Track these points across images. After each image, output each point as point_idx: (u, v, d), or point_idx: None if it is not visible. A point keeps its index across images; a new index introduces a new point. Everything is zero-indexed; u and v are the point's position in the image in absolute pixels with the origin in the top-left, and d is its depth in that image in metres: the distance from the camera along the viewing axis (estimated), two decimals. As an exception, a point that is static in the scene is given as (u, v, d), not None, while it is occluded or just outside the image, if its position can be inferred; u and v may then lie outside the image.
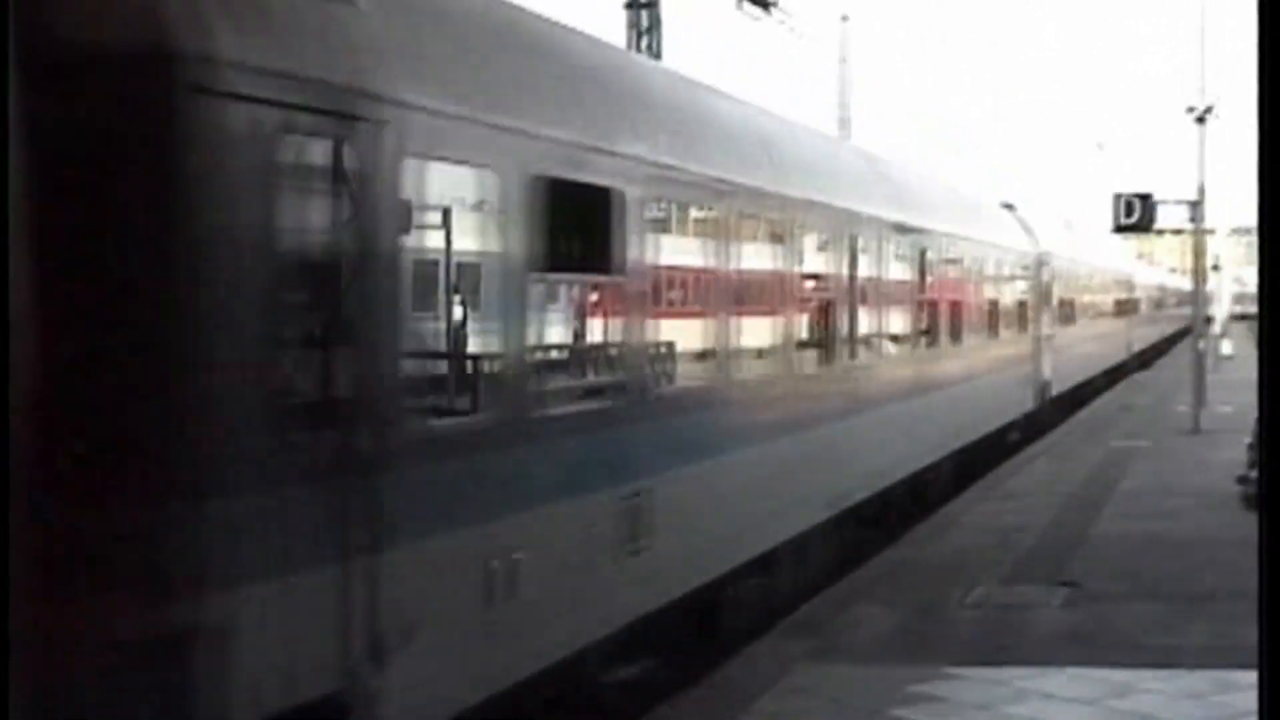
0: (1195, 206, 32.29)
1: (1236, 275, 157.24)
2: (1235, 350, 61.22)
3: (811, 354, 15.10)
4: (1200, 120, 32.96)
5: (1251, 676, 10.73)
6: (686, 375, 11.79)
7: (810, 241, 15.00)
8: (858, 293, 16.50)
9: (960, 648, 11.94)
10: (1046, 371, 31.64)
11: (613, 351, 10.47)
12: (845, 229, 16.09)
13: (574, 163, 9.52)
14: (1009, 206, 33.02)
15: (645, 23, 37.50)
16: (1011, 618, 13.04)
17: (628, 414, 10.26)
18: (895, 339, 18.36)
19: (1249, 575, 14.81)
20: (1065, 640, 12.20)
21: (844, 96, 56.46)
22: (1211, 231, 48.97)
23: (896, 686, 10.71)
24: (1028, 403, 29.26)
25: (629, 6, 37.80)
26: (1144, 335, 61.43)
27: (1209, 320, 41.69)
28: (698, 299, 12.16)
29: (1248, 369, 53.34)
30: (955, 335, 21.99)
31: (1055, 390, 32.98)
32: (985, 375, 24.38)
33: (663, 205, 11.34)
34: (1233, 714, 9.97)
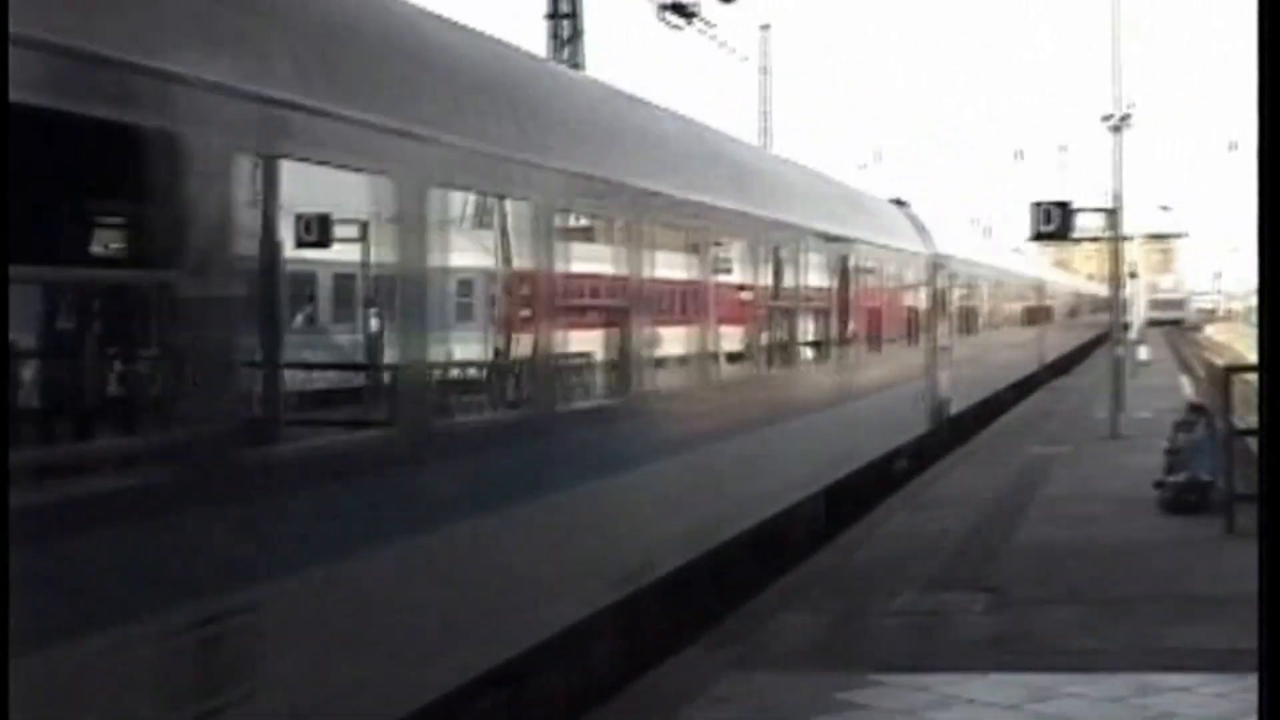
0: (1112, 214, 32.62)
1: (1152, 281, 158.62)
2: (1151, 356, 61.86)
3: (602, 380, 11.65)
4: (1116, 129, 33.29)
5: (1171, 679, 10.92)
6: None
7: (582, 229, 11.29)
8: (661, 300, 12.60)
9: (884, 654, 12.00)
10: (944, 388, 28.53)
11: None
12: (631, 211, 11.69)
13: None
14: (900, 203, 30.06)
15: (567, 33, 37.53)
16: (934, 624, 13.12)
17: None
18: (734, 358, 14.86)
19: (1168, 579, 15.11)
20: (988, 645, 12.29)
21: (766, 105, 56.67)
22: (1128, 239, 49.49)
23: (821, 694, 10.76)
24: (920, 425, 26.04)
25: (550, 17, 37.83)
26: (1059, 343, 59.45)
27: (1126, 327, 42.03)
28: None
29: (1164, 375, 54.09)
30: (822, 350, 18.64)
31: (955, 409, 29.72)
32: (865, 396, 20.82)
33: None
34: (1154, 716, 10.08)
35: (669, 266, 12.85)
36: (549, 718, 10.77)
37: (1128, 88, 33.41)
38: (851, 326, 20.27)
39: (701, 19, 38.58)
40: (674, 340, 12.99)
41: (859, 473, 20.37)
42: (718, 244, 14.36)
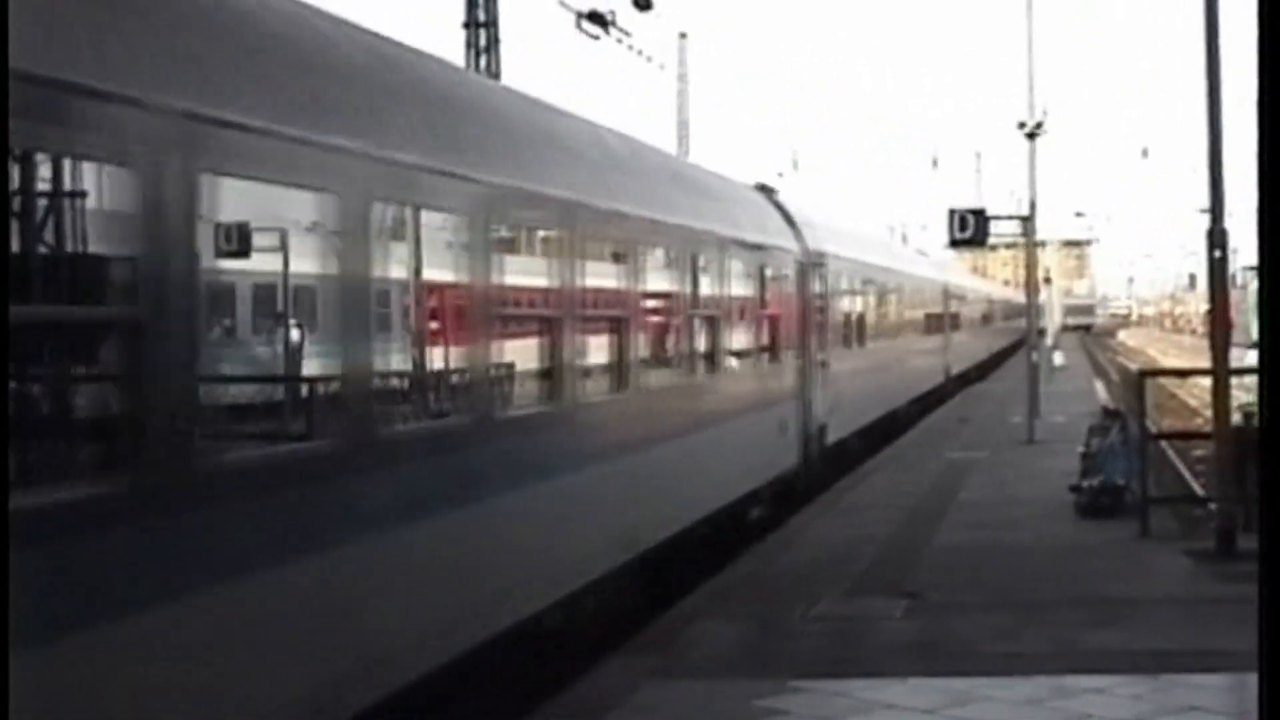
0: (1026, 220, 32.91)
1: (1067, 287, 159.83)
2: (1066, 361, 62.41)
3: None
4: (1031, 136, 33.61)
5: (1086, 681, 11.03)
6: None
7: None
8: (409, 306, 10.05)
9: (804, 661, 12.04)
10: (820, 412, 23.91)
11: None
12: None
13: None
14: (766, 189, 25.43)
15: (484, 42, 37.48)
16: (854, 630, 13.18)
17: None
18: (504, 382, 11.34)
19: (1085, 582, 15.27)
20: (907, 651, 12.36)
21: (683, 114, 56.77)
22: (1043, 244, 49.90)
23: (742, 701, 10.79)
24: (783, 460, 21.48)
25: (467, 26, 37.77)
26: (969, 353, 55.63)
27: (1041, 332, 42.39)
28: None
29: (1079, 380, 54.49)
30: (621, 376, 14.12)
31: (833, 436, 25.02)
32: (705, 428, 16.94)
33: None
34: (1070, 718, 10.17)
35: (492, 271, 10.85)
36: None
37: (1042, 95, 33.73)
38: (672, 342, 16.22)
39: (618, 28, 38.62)
40: (475, 362, 10.60)
41: (691, 530, 16.38)
42: (566, 239, 12.06)
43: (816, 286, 24.57)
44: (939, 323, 46.04)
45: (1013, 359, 68.64)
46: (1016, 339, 68.61)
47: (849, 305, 28.87)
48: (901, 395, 35.91)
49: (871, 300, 32.33)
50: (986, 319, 69.45)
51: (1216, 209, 16.34)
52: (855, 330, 29.48)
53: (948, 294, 49.71)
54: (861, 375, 29.23)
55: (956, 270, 65.06)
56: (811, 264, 24.11)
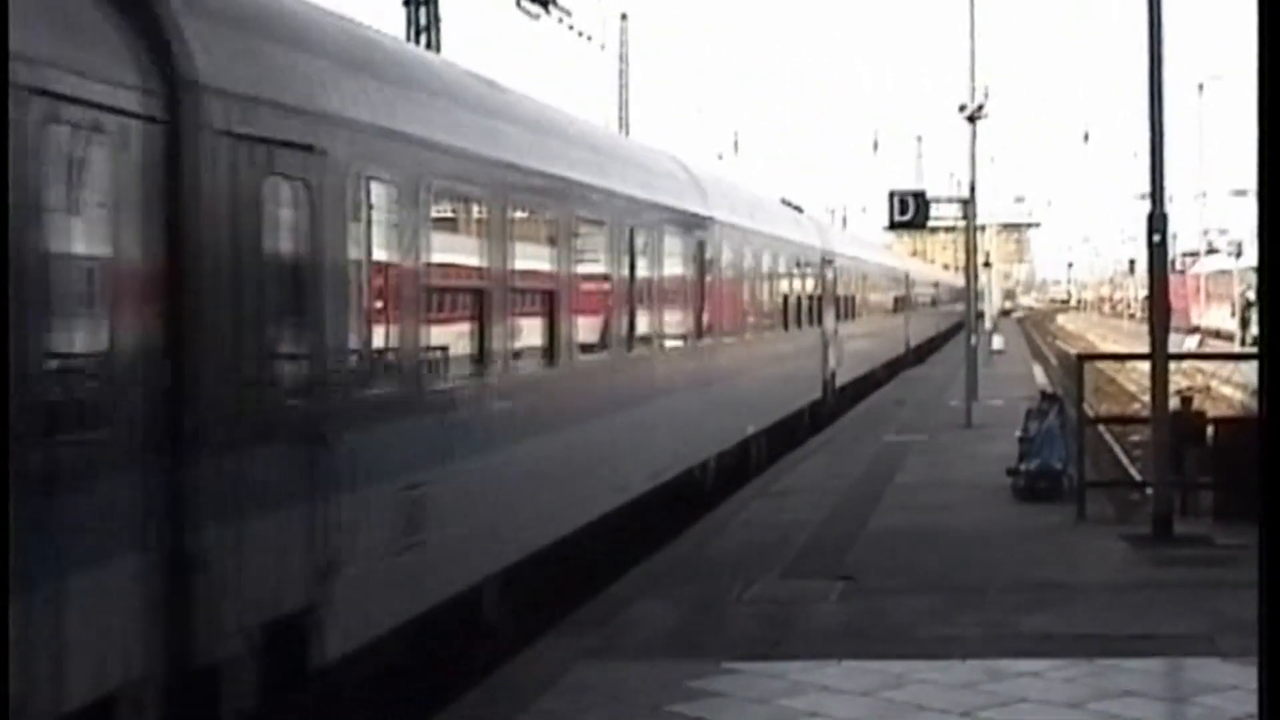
0: (967, 204, 32.96)
1: (1006, 271, 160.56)
2: (1005, 345, 62.64)
3: None
4: (971, 120, 33.62)
5: (1021, 664, 11.01)
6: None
7: None
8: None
9: (738, 643, 11.98)
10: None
11: None
12: None
13: None
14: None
15: (424, 20, 37.26)
16: (789, 612, 13.12)
17: None
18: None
19: (1021, 566, 15.26)
20: (841, 633, 12.31)
21: (623, 95, 56.67)
22: (983, 228, 50.01)
23: (676, 682, 10.72)
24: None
25: (407, 4, 37.54)
26: (868, 353, 45.75)
27: (980, 316, 42.50)
28: None
29: (1017, 364, 54.69)
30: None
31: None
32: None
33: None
34: (1004, 701, 10.14)
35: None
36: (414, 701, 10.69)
37: (983, 78, 33.72)
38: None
39: (559, 7, 38.50)
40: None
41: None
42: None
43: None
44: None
45: (950, 343, 68.92)
46: (956, 322, 68.79)
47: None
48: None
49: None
50: (901, 305, 69.31)
51: (1156, 194, 16.33)
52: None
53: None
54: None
55: (900, 256, 66.49)
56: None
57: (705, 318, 19.91)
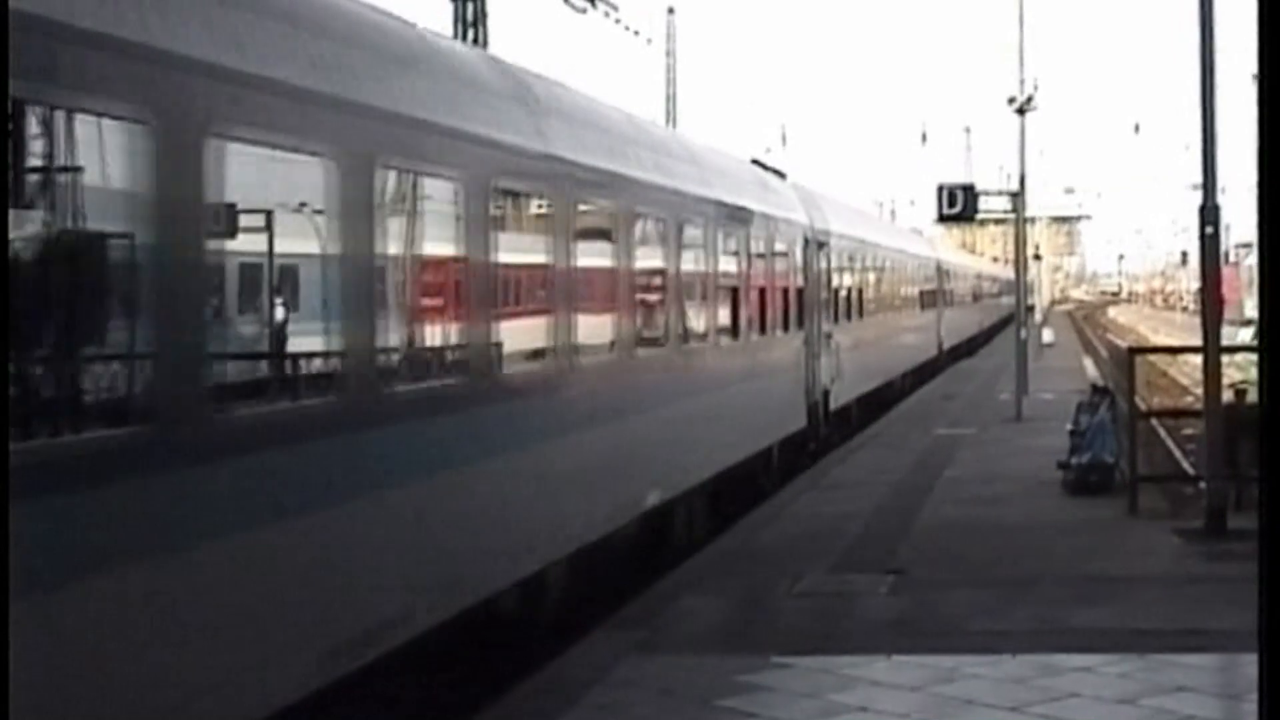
0: (1016, 197, 32.81)
1: (1056, 264, 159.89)
2: (1056, 338, 62.39)
3: None
4: (1021, 112, 33.48)
5: (1073, 659, 10.93)
6: None
7: None
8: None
9: (788, 637, 11.95)
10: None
11: None
12: None
13: None
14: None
15: (471, 15, 37.32)
16: (839, 606, 13.09)
17: None
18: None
19: (1072, 560, 15.15)
20: (892, 627, 12.27)
21: (671, 89, 56.63)
22: (1032, 221, 49.83)
23: (725, 676, 10.70)
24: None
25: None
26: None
27: (1030, 309, 42.30)
28: None
29: (1068, 357, 54.46)
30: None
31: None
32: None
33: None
34: (1056, 696, 10.08)
35: None
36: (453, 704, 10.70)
37: (1032, 70, 33.58)
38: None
39: (606, 1, 38.50)
40: None
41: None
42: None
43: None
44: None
45: (1001, 335, 68.60)
46: (1003, 317, 68.20)
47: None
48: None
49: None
50: (975, 296, 69.10)
51: (1209, 185, 16.21)
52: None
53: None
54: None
55: (952, 248, 64.88)
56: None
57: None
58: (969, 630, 12.07)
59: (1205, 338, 16.79)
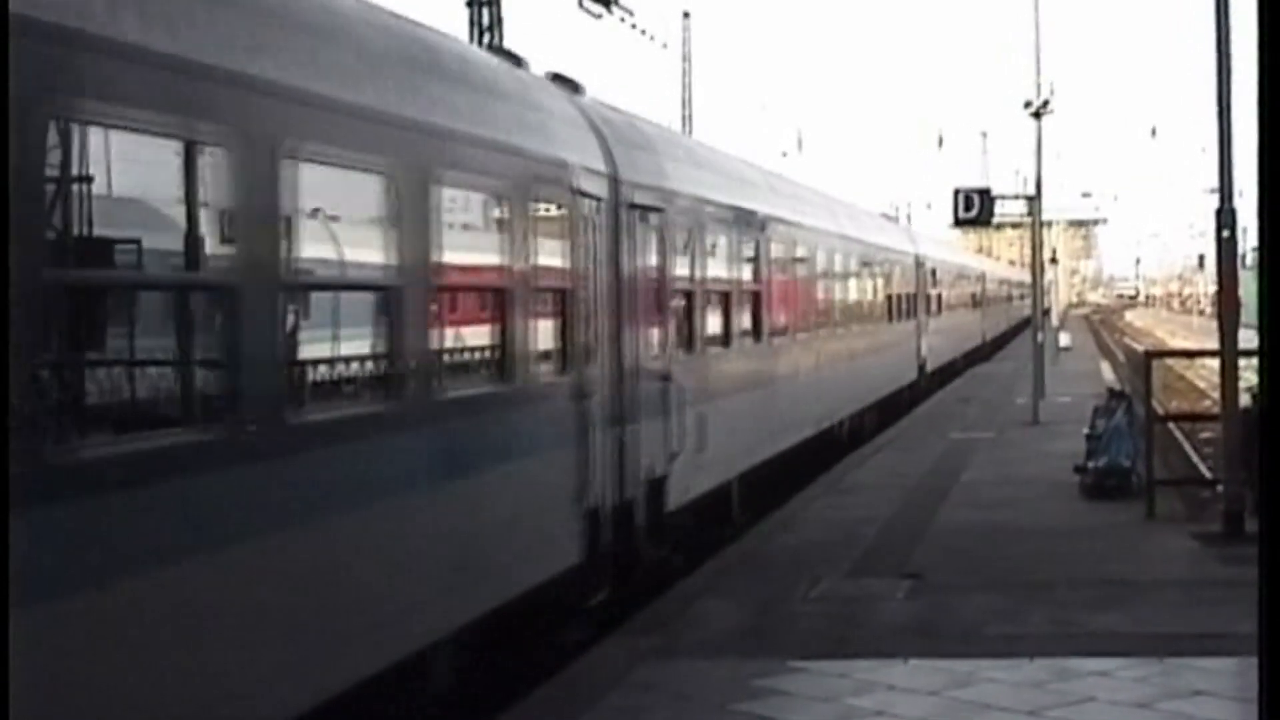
0: (1032, 200, 32.76)
1: (1073, 267, 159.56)
2: (1073, 342, 62.27)
3: None
4: (1037, 115, 33.42)
5: (1090, 663, 10.92)
6: None
7: None
8: None
9: (805, 641, 11.95)
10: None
11: None
12: None
13: None
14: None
15: (487, 20, 37.35)
16: (855, 610, 13.08)
17: None
18: None
19: (1089, 564, 15.13)
20: (908, 631, 12.26)
21: (686, 93, 56.64)
22: (1049, 224, 49.78)
23: (742, 681, 10.70)
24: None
25: (470, 4, 37.63)
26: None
27: (1047, 312, 42.20)
28: None
29: (1084, 360, 54.35)
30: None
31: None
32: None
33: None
34: (1073, 700, 10.07)
35: None
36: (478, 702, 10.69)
37: (1049, 74, 33.56)
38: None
39: (621, 6, 38.52)
40: None
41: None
42: None
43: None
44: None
45: (1018, 338, 68.47)
46: (1026, 316, 68.38)
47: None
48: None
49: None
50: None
51: (1225, 189, 16.17)
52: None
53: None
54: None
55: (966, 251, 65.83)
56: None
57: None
58: (986, 634, 12.06)
59: (1222, 341, 16.77)
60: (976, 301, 58.27)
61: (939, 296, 43.68)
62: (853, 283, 28.77)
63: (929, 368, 40.42)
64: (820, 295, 24.83)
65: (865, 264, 30.23)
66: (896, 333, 34.62)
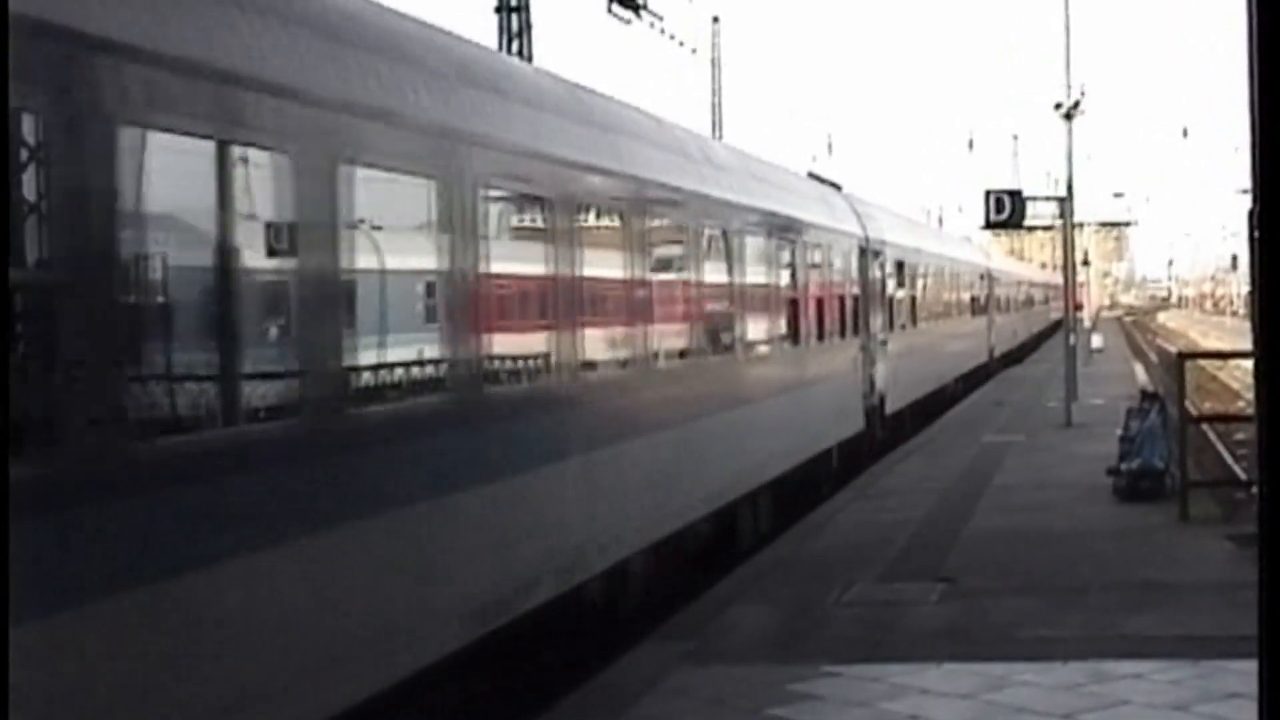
0: (1064, 202, 32.68)
1: (1105, 269, 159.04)
2: (1105, 344, 62.08)
3: None
4: (1068, 117, 33.34)
5: (1124, 666, 10.87)
6: None
7: None
8: None
9: (838, 646, 11.94)
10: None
11: None
12: None
13: None
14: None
15: (516, 27, 37.36)
16: (888, 614, 13.06)
17: None
18: None
19: (1123, 567, 15.07)
20: (942, 636, 12.23)
21: (716, 98, 56.61)
22: (1080, 226, 49.66)
23: (775, 686, 10.69)
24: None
25: (499, 10, 37.64)
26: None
27: (1079, 309, 42.07)
28: None
29: (1117, 362, 54.13)
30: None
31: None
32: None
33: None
34: (1107, 704, 10.04)
35: None
36: (508, 708, 10.72)
37: (1080, 75, 33.49)
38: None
39: (650, 11, 38.51)
40: None
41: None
42: None
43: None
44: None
45: (1047, 344, 68.30)
46: (1054, 323, 68.84)
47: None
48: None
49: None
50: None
51: (1258, 189, 16.08)
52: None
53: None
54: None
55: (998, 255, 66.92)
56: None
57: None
58: (1019, 638, 12.03)
59: (1256, 342, 16.68)
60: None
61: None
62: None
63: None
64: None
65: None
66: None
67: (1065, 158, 33.23)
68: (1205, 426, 27.23)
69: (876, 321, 26.86)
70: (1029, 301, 76.60)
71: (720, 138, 50.65)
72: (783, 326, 19.50)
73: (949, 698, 10.35)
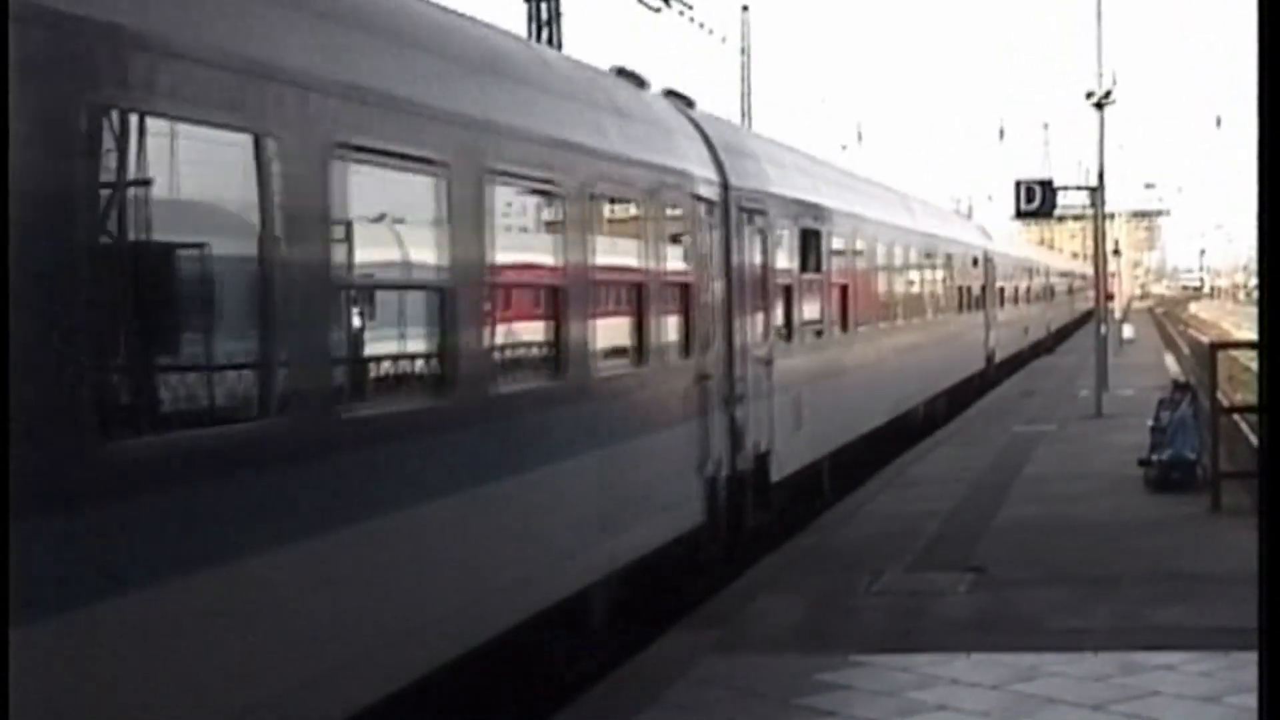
0: (1094, 192, 32.57)
1: (1137, 259, 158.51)
2: (1136, 334, 61.87)
3: None
4: (1099, 106, 33.22)
5: (1155, 657, 10.84)
6: None
7: None
8: None
9: (867, 635, 11.92)
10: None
11: None
12: None
13: None
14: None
15: (545, 15, 37.35)
16: (918, 604, 13.04)
17: None
18: None
19: (1154, 557, 15.02)
20: (971, 625, 12.21)
21: (746, 86, 56.54)
22: (1111, 216, 49.50)
23: (804, 675, 10.68)
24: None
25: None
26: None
27: (1110, 298, 42.02)
28: None
29: (1148, 353, 53.97)
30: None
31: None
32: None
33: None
34: (1137, 694, 10.00)
35: None
36: (540, 697, 10.73)
37: (1111, 64, 33.37)
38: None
39: (680, 0, 38.47)
40: None
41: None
42: None
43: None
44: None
45: (1081, 331, 68.11)
46: (1090, 309, 68.99)
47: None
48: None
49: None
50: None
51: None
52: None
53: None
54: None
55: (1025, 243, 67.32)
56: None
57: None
58: (1049, 628, 12.00)
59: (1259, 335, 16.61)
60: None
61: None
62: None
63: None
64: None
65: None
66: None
67: (1096, 147, 33.12)
68: (1237, 417, 27.11)
69: (751, 330, 16.24)
70: (1047, 293, 76.37)
71: (750, 124, 50.57)
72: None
73: (978, 688, 10.32)
